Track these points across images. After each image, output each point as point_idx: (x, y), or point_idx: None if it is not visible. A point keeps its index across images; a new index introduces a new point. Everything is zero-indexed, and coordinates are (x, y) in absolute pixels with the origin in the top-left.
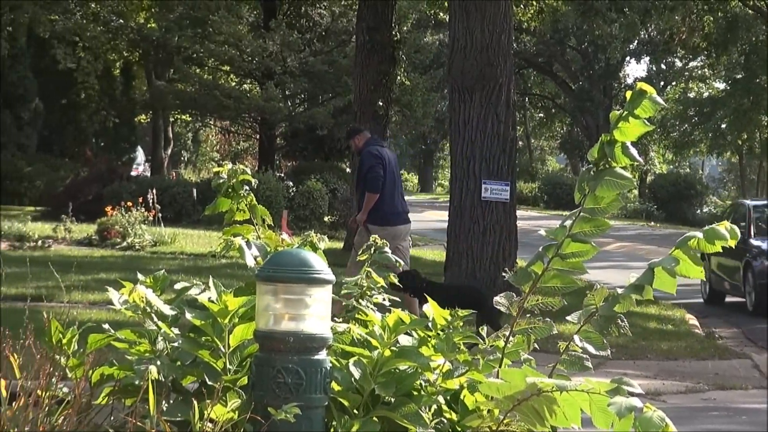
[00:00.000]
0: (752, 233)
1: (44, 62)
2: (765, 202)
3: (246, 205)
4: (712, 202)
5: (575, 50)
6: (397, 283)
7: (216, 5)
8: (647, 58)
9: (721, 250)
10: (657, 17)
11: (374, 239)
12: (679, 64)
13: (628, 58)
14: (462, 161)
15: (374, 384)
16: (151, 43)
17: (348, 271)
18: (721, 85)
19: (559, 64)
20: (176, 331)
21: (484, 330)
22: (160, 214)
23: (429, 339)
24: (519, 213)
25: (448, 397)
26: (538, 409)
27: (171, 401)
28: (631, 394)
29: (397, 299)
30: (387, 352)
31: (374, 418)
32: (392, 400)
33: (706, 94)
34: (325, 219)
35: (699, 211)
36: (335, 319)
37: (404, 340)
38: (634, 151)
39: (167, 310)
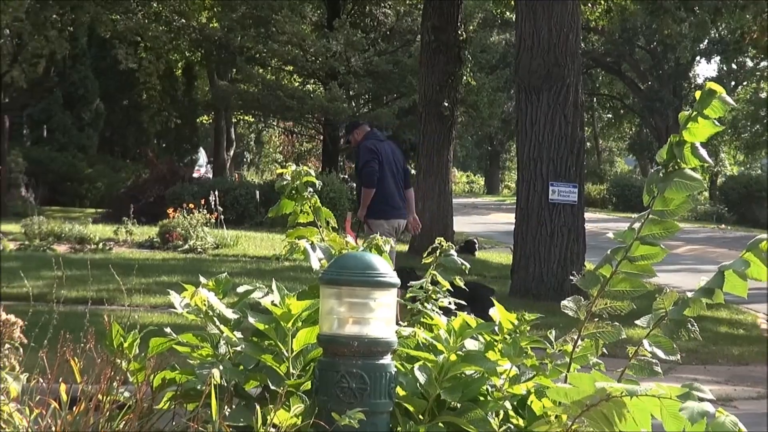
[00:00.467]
0: None
1: (105, 62)
2: None
3: (310, 207)
4: None
5: (644, 50)
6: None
7: (279, 4)
8: (718, 58)
9: None
10: (728, 16)
11: (440, 240)
12: (750, 63)
13: (698, 58)
14: (529, 163)
15: (440, 389)
16: (214, 42)
17: None
18: None
19: (627, 63)
20: (239, 335)
21: (552, 334)
22: (222, 217)
23: (495, 343)
24: (587, 215)
25: (515, 403)
26: (607, 415)
27: (233, 406)
28: (702, 400)
29: (464, 303)
30: (453, 357)
31: (440, 424)
32: (458, 405)
33: None
34: None
35: None
36: (400, 322)
37: (470, 345)
38: (703, 153)
39: (230, 313)
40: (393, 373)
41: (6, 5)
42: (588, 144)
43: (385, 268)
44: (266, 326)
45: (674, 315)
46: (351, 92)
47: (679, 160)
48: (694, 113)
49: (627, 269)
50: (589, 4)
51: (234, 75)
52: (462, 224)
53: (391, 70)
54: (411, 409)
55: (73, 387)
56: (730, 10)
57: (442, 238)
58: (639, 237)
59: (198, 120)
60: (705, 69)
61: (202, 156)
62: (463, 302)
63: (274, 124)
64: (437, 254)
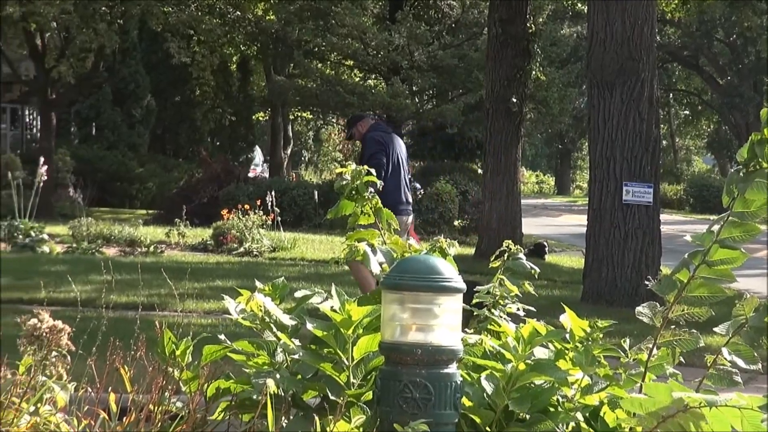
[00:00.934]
0: None
1: (157, 57)
2: None
3: (371, 208)
4: None
5: (723, 43)
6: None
7: None
8: None
9: None
10: None
11: (508, 243)
12: None
13: None
14: (602, 162)
15: (508, 400)
16: (270, 36)
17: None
18: None
19: (705, 57)
20: (296, 342)
21: (626, 342)
22: (279, 218)
23: (566, 351)
24: (663, 217)
25: (587, 414)
26: (684, 426)
27: (291, 417)
28: None
29: (533, 309)
30: (521, 366)
31: None
32: (527, 417)
33: None
34: (455, 223)
35: None
36: (466, 329)
37: (540, 353)
38: None
39: (287, 320)
40: (458, 382)
41: None
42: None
43: (450, 272)
44: (325, 333)
45: (755, 322)
46: (414, 88)
47: (760, 159)
48: None
49: (705, 274)
50: None
51: (291, 70)
52: (531, 226)
53: (457, 65)
54: (477, 420)
55: (123, 397)
56: None
57: (510, 241)
58: (718, 240)
59: (254, 117)
60: None
61: (258, 155)
62: None
63: (334, 121)
64: (505, 258)
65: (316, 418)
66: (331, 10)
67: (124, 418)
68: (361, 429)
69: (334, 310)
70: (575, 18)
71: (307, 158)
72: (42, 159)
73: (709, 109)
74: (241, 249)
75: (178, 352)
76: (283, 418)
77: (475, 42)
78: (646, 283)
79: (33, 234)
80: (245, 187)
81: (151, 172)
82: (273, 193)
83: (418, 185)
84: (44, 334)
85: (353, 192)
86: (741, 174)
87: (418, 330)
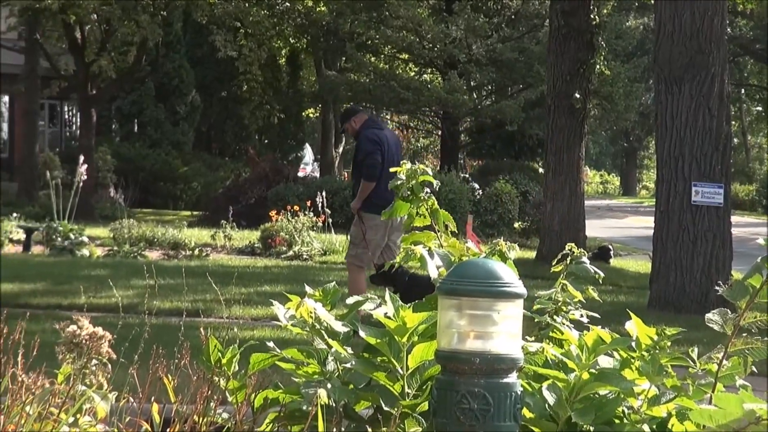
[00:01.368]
0: None
1: (202, 50)
2: None
3: (427, 209)
4: None
5: None
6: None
7: None
8: None
9: None
10: None
11: (571, 246)
12: None
13: None
14: (669, 161)
15: (571, 411)
16: (321, 28)
17: (348, 265)
18: None
19: None
20: (349, 350)
21: (695, 351)
22: (330, 220)
23: (632, 360)
24: (734, 219)
25: (654, 426)
26: None
27: (342, 429)
28: None
29: (597, 315)
30: (585, 375)
31: None
32: (591, 429)
33: None
34: (516, 225)
35: None
36: (526, 337)
37: (604, 362)
38: None
39: (339, 326)
40: (519, 392)
41: None
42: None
43: (510, 276)
44: (379, 341)
45: None
46: (472, 83)
47: None
48: None
49: None
50: None
51: (343, 64)
52: (595, 229)
53: (517, 59)
54: None
55: (167, 407)
56: None
57: (573, 244)
58: None
59: (303, 113)
60: None
61: (308, 153)
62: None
63: (388, 117)
64: (568, 262)
65: (369, 430)
66: (385, 1)
67: (168, 430)
68: None
69: (388, 317)
70: (642, 9)
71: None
72: (81, 158)
73: None
74: (291, 252)
75: (224, 361)
76: (334, 429)
77: (536, 34)
78: (717, 288)
79: (72, 236)
80: (295, 188)
81: (195, 171)
82: (324, 193)
83: (476, 185)
84: (84, 341)
85: (408, 192)
86: None
87: (477, 337)
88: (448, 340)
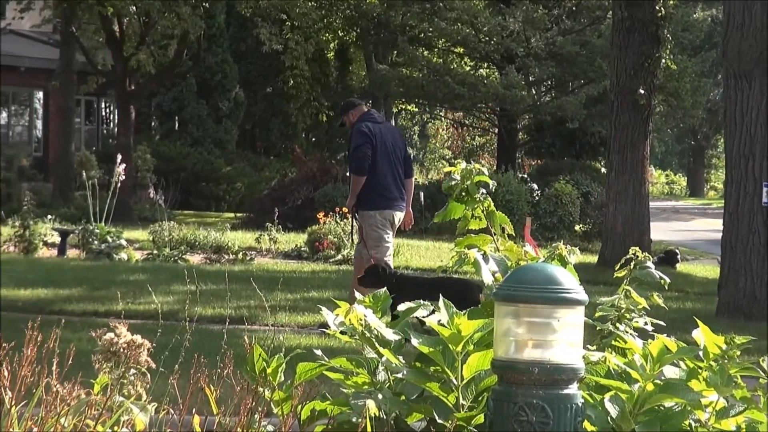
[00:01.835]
0: None
1: (246, 44)
2: None
3: (482, 211)
4: None
5: None
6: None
7: None
8: None
9: None
10: None
11: (635, 250)
12: None
13: None
14: (739, 160)
15: (635, 424)
16: (371, 20)
17: (355, 266)
18: None
19: None
20: (400, 359)
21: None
22: None
23: (700, 371)
24: None
25: None
26: None
27: None
28: None
29: (662, 323)
30: (650, 386)
31: None
32: None
33: None
34: (576, 228)
35: None
36: (587, 346)
37: (670, 372)
38: None
39: (390, 334)
40: (580, 404)
41: None
42: None
43: (570, 282)
44: (432, 350)
45: None
46: (531, 78)
47: None
48: None
49: None
50: None
51: (395, 58)
52: (660, 232)
53: (578, 52)
54: None
55: (209, 419)
56: None
57: (637, 248)
58: None
59: None
60: None
61: None
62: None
63: (442, 114)
64: (631, 267)
65: None
66: None
67: None
68: None
69: (442, 324)
70: (710, 0)
71: (412, 156)
72: (119, 157)
73: None
74: (339, 256)
75: (269, 370)
76: None
77: (598, 27)
78: None
79: (110, 240)
80: (344, 188)
81: (239, 171)
82: None
83: (535, 186)
84: (122, 349)
85: (463, 193)
86: None
87: (535, 346)
88: (505, 348)
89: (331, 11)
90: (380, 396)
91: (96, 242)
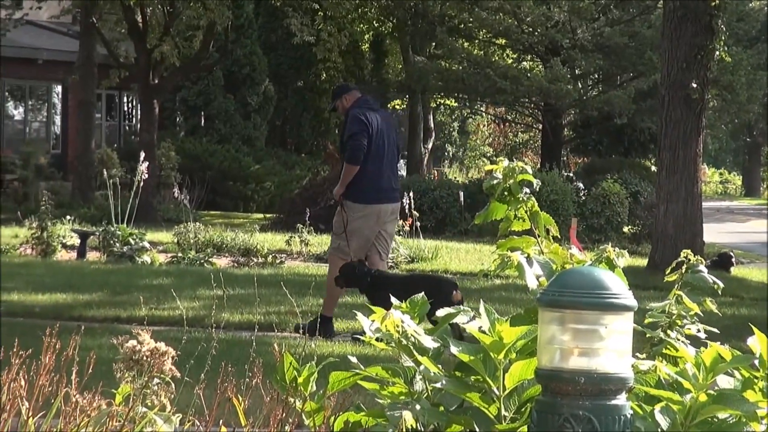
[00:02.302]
0: None
1: (276, 35)
2: None
3: (526, 211)
4: None
5: None
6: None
7: None
8: None
9: None
10: None
11: (687, 253)
12: None
13: None
14: None
15: None
16: (408, 10)
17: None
18: None
19: None
20: (439, 368)
21: None
22: (418, 223)
23: (756, 381)
24: None
25: None
26: None
27: None
28: None
29: (716, 330)
30: (702, 397)
31: None
32: None
33: None
34: (625, 229)
35: None
36: (636, 354)
37: (724, 382)
38: None
39: (428, 341)
40: (628, 416)
41: None
42: None
43: (618, 286)
44: (472, 358)
45: None
46: (576, 71)
47: None
48: None
49: None
50: None
51: (433, 50)
52: (714, 233)
53: (627, 44)
54: None
55: (236, 431)
56: None
57: (689, 251)
58: None
59: (389, 105)
60: None
61: None
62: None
63: (482, 110)
64: (683, 270)
65: None
66: None
67: None
68: None
69: (483, 332)
70: None
71: (451, 153)
72: (142, 154)
73: None
74: None
75: (300, 380)
76: None
77: (648, 17)
78: None
79: (132, 242)
80: None
81: (269, 169)
82: (411, 194)
83: (581, 185)
84: (145, 358)
85: (505, 193)
86: None
87: (581, 354)
88: (550, 357)
89: (365, 1)
90: (418, 407)
91: (117, 244)
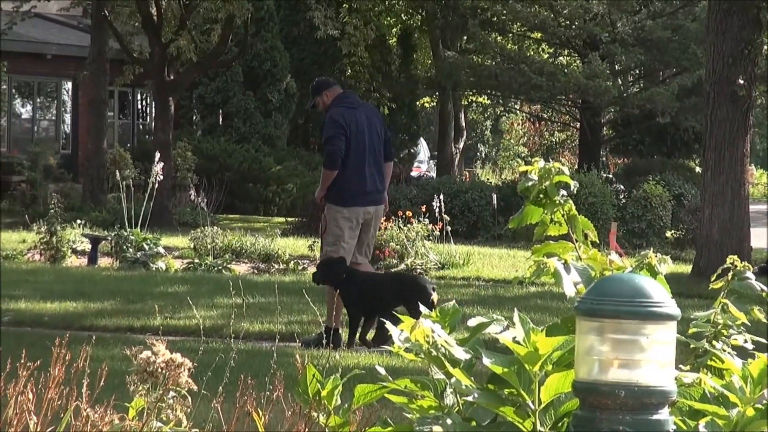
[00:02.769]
0: None
1: (298, 29)
2: None
3: (563, 215)
4: None
5: None
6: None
7: None
8: None
9: None
10: None
11: (734, 259)
12: None
13: None
14: None
15: None
16: (438, 2)
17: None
18: None
19: None
20: (471, 380)
21: None
22: (449, 227)
23: None
24: None
25: None
26: None
27: None
28: None
29: (764, 341)
30: (750, 411)
31: None
32: None
33: None
34: (668, 234)
35: None
36: (680, 366)
37: None
38: None
39: (459, 352)
40: (671, 431)
41: None
42: None
43: (660, 294)
44: (506, 370)
45: None
46: (617, 66)
47: None
48: None
49: None
50: None
51: (464, 44)
52: (762, 238)
53: (669, 38)
54: None
55: None
56: None
57: (735, 257)
58: None
59: (418, 103)
60: None
61: (423, 149)
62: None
63: (517, 107)
64: (729, 277)
65: None
66: None
67: None
68: None
69: (517, 342)
70: None
71: (483, 154)
72: (157, 155)
73: None
74: (402, 266)
75: (323, 393)
76: None
77: (692, 10)
78: None
79: (146, 247)
80: (407, 190)
81: (290, 170)
82: (441, 196)
83: (621, 187)
84: (159, 369)
85: (541, 195)
86: None
87: (622, 366)
88: (588, 369)
89: None
90: (449, 421)
91: (131, 250)
